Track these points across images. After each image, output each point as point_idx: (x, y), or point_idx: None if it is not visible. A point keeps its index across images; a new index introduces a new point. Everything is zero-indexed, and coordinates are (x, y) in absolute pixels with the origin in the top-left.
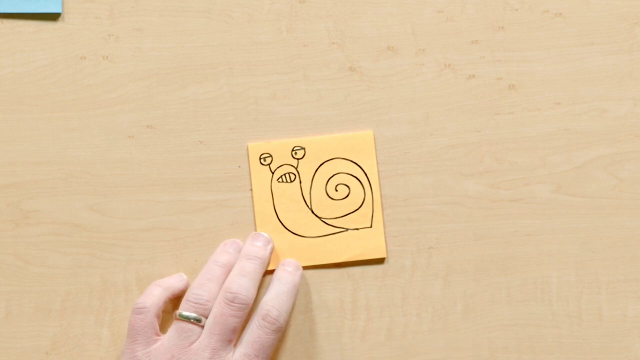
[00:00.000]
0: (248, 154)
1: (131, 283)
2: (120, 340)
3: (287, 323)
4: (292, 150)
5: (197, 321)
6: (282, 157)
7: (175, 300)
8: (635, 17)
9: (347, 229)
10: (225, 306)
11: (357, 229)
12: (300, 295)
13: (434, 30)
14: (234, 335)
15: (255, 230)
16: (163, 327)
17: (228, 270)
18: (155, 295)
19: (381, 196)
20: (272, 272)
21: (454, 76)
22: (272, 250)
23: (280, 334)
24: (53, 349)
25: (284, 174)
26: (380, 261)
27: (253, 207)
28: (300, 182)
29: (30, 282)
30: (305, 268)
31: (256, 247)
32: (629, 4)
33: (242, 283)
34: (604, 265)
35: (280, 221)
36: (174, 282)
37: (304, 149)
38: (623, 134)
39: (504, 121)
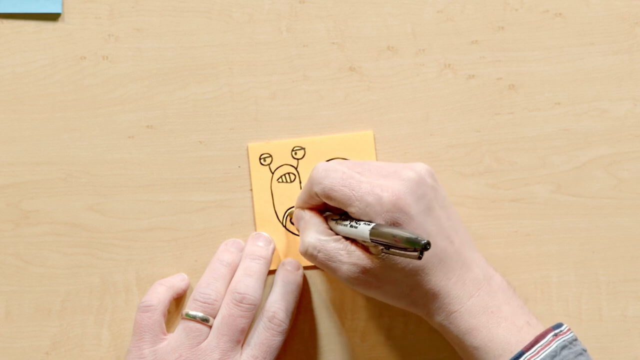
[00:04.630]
0: (248, 154)
1: (131, 283)
2: (121, 340)
3: (292, 323)
4: (292, 150)
5: (204, 321)
6: (282, 157)
7: (177, 300)
8: (635, 17)
9: None
10: (233, 307)
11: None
12: (300, 295)
13: (434, 30)
14: (242, 335)
15: (255, 230)
16: (166, 326)
17: (233, 269)
18: (160, 293)
19: None
20: (273, 272)
21: (454, 76)
22: (274, 249)
23: (286, 335)
24: (53, 349)
25: (284, 174)
26: None
27: (253, 207)
28: (300, 182)
29: (30, 282)
30: (305, 268)
31: (259, 247)
32: (629, 4)
33: (249, 283)
34: (604, 265)
35: (280, 221)
36: (176, 281)
37: (304, 149)
38: (623, 134)
39: (504, 121)
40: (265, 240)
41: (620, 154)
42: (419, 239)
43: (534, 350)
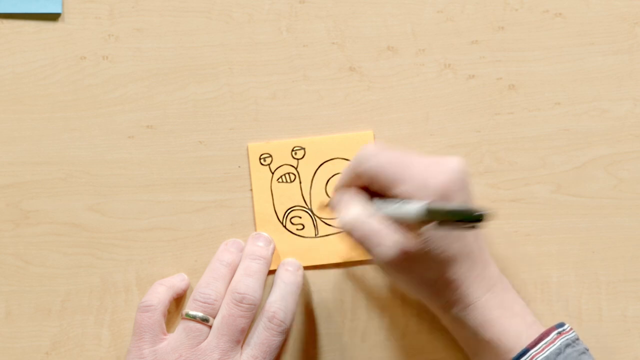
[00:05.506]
0: (248, 154)
1: (131, 283)
2: (121, 340)
3: (292, 323)
4: (292, 150)
5: (204, 321)
6: (282, 157)
7: (177, 300)
8: (635, 17)
9: None
10: (233, 307)
11: None
12: (300, 295)
13: (434, 30)
14: (242, 335)
15: (256, 230)
16: (166, 326)
17: (233, 269)
18: (160, 293)
19: None
20: (273, 272)
21: (454, 76)
22: (274, 250)
23: (286, 335)
24: (53, 349)
25: (284, 174)
26: None
27: (253, 207)
28: (300, 182)
29: (30, 282)
30: (305, 268)
31: (259, 247)
32: (629, 4)
33: (249, 283)
34: (604, 265)
35: (280, 221)
36: (176, 281)
37: (304, 149)
38: (623, 134)
39: (504, 121)
40: (265, 240)
41: (620, 154)
42: (477, 210)
43: (539, 347)
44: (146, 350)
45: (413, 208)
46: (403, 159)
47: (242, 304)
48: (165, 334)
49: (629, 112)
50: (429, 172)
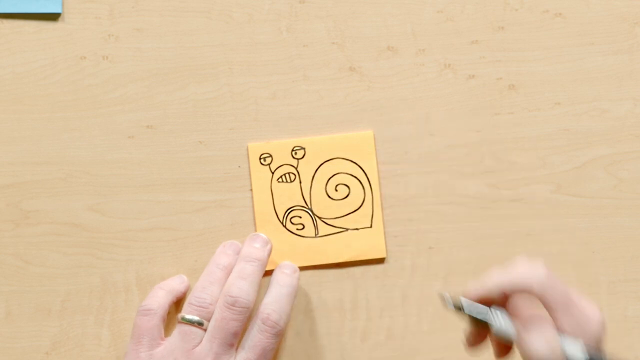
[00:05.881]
0: (248, 154)
1: (131, 283)
2: (120, 340)
3: (287, 325)
4: (292, 150)
5: (199, 324)
6: (282, 157)
7: (176, 302)
8: (635, 17)
9: (347, 229)
10: (226, 310)
11: (357, 229)
12: (300, 296)
13: (434, 30)
14: (236, 339)
15: (255, 230)
16: (165, 330)
17: (229, 272)
18: (160, 297)
19: (381, 196)
20: (270, 272)
21: (454, 76)
22: (271, 251)
23: (281, 337)
24: (53, 349)
25: (284, 174)
26: (380, 261)
27: (253, 207)
28: (300, 182)
29: (30, 282)
30: (305, 268)
31: (255, 249)
32: (629, 4)
33: (242, 286)
34: (604, 265)
35: (280, 221)
36: (175, 284)
37: (304, 149)
38: (623, 134)
39: (504, 121)
40: (262, 242)
41: (620, 154)
42: None
43: None
44: (143, 354)
45: (578, 352)
46: (566, 288)
47: (234, 307)
48: (162, 339)
49: (629, 112)
50: (585, 313)
